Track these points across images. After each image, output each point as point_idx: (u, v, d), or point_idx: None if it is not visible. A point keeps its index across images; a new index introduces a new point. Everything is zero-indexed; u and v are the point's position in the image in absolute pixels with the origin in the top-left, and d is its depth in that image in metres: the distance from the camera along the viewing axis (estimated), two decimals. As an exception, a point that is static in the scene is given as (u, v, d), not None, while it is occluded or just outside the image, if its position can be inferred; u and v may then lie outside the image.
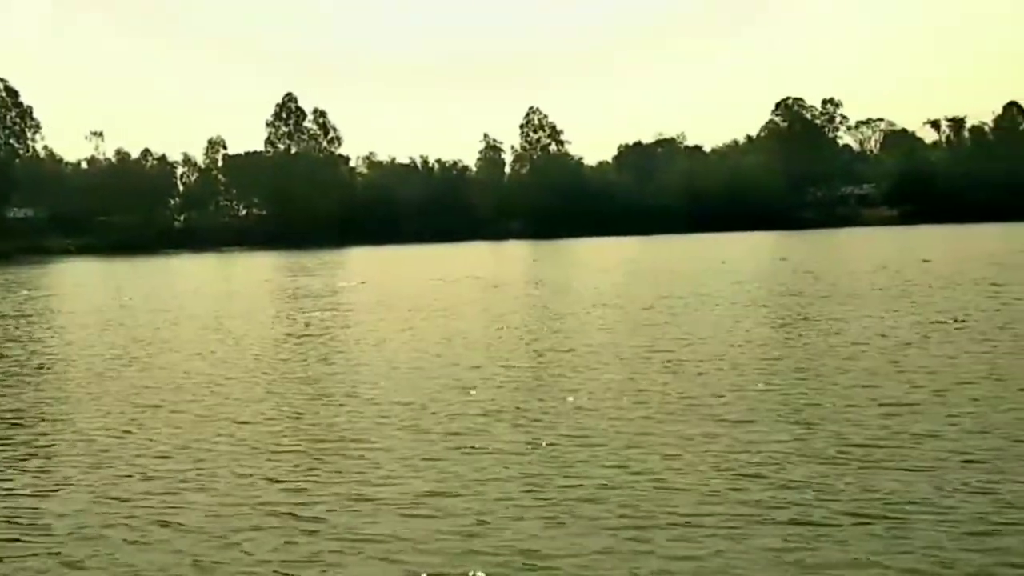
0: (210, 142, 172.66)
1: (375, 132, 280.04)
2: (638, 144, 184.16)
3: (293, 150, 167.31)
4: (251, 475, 12.31)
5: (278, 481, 12.02)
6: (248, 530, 10.19)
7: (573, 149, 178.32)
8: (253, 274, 74.04)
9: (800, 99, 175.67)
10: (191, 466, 12.83)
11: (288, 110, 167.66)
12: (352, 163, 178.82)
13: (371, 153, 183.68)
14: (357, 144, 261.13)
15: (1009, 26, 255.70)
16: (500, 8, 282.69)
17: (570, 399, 16.49)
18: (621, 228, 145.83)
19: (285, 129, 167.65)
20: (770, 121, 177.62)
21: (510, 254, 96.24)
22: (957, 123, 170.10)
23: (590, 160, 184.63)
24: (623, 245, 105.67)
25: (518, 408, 15.92)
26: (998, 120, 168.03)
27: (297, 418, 15.85)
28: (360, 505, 10.90)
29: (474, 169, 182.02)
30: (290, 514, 10.67)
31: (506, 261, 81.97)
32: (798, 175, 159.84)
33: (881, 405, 15.22)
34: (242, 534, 10.08)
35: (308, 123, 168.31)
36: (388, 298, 41.81)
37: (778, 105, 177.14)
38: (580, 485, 11.36)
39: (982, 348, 20.86)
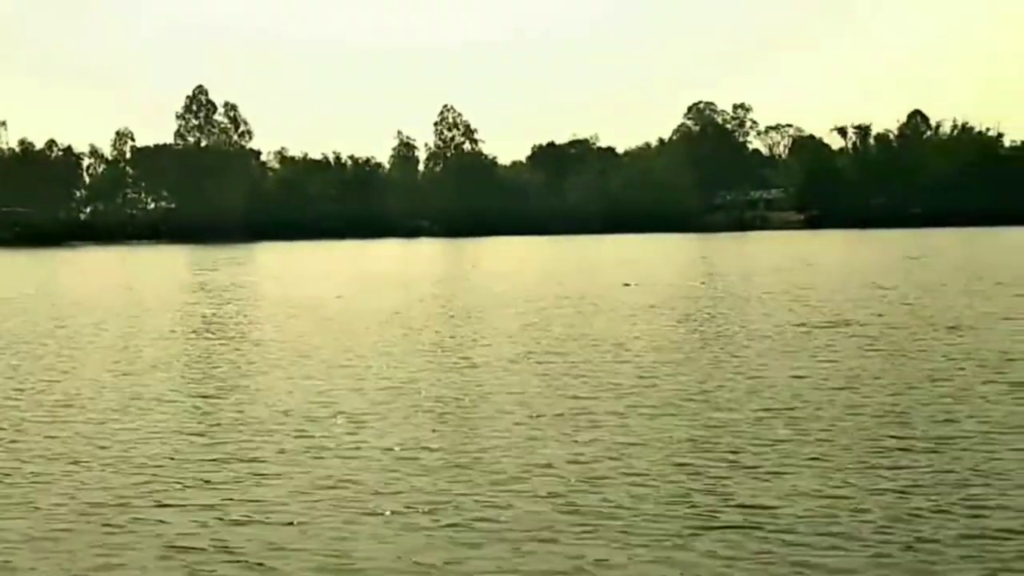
0: (118, 134, 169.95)
1: (287, 127, 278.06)
2: (552, 144, 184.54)
3: (203, 143, 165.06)
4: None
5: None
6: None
7: (487, 148, 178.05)
8: (156, 269, 73.06)
9: (711, 103, 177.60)
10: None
11: (198, 103, 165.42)
12: (263, 157, 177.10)
13: (283, 148, 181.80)
14: (269, 139, 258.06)
15: (914, 36, 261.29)
16: (413, 4, 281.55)
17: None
18: (534, 228, 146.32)
19: (195, 122, 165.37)
20: (682, 124, 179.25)
21: (418, 253, 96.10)
22: (863, 130, 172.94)
23: (504, 160, 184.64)
24: (533, 246, 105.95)
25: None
26: (902, 128, 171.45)
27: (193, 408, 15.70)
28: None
29: (387, 166, 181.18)
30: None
31: (417, 260, 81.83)
32: (709, 179, 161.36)
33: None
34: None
35: (219, 116, 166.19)
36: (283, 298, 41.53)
37: (690, 109, 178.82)
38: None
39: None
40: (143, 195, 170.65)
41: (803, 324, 27.03)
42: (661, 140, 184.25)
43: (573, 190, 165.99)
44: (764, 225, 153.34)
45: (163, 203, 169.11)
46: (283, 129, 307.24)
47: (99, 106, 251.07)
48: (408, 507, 10.62)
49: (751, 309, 32.39)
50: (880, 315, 29.05)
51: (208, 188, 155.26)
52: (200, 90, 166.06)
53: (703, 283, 45.43)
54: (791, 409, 15.31)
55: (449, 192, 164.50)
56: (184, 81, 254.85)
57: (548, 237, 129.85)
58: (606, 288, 42.05)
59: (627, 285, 43.07)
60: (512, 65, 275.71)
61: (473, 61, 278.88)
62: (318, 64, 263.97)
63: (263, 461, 12.77)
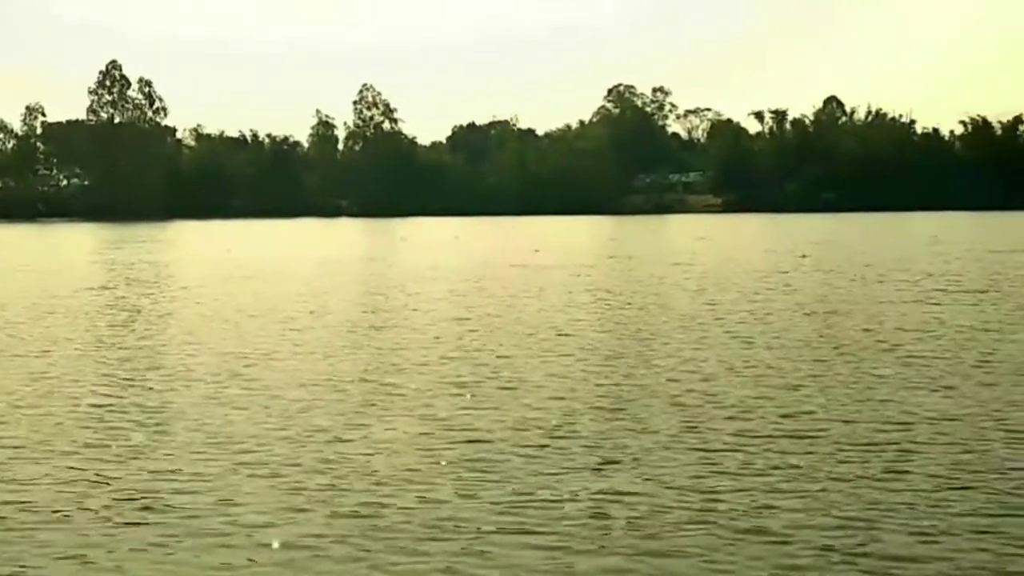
0: (28, 108, 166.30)
1: (205, 104, 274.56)
2: (472, 125, 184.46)
3: (117, 119, 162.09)
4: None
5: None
6: None
7: (407, 128, 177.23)
8: (69, 247, 71.79)
9: (631, 86, 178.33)
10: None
11: (112, 78, 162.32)
12: (179, 135, 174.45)
13: (199, 125, 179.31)
14: (185, 116, 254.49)
15: (833, 26, 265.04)
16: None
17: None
18: (453, 208, 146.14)
19: (108, 98, 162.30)
20: (601, 107, 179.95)
21: (335, 233, 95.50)
22: (780, 115, 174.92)
23: (424, 140, 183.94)
24: (449, 225, 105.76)
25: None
26: (818, 113, 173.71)
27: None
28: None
29: (306, 145, 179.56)
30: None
31: (336, 241, 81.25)
32: (628, 161, 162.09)
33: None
34: None
35: (132, 92, 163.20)
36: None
37: (610, 91, 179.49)
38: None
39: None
40: (54, 172, 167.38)
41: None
42: (581, 122, 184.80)
43: (492, 171, 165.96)
44: (683, 208, 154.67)
45: (75, 180, 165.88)
46: (200, 107, 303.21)
47: (8, 80, 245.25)
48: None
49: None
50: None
51: (122, 165, 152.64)
52: (114, 65, 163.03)
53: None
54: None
55: (368, 172, 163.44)
56: (97, 56, 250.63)
57: (467, 218, 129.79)
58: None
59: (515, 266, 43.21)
60: (433, 46, 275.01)
61: (394, 39, 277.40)
62: (236, 43, 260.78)
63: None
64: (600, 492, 10.24)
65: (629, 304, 28.51)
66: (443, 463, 11.36)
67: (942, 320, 23.64)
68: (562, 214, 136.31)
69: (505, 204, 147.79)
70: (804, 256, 47.60)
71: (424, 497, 10.11)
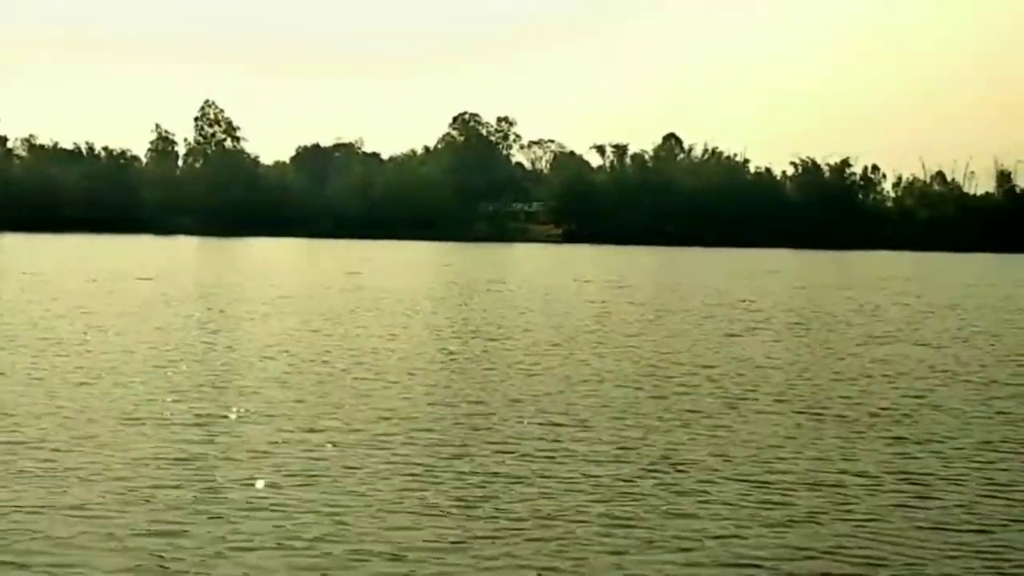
0: None
1: (37, 114, 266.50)
2: (316, 146, 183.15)
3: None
4: None
5: None
6: None
7: (250, 147, 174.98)
8: None
9: (476, 115, 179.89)
10: None
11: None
12: (10, 144, 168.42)
13: (31, 135, 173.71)
14: (16, 126, 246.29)
15: (673, 62, 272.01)
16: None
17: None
18: (295, 229, 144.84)
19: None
20: (447, 134, 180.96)
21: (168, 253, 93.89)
22: (620, 149, 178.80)
23: (267, 159, 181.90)
24: (284, 247, 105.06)
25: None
26: (657, 149, 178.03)
27: None
28: None
29: (144, 160, 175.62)
30: None
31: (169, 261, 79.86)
32: (472, 189, 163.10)
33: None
34: None
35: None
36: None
37: (455, 119, 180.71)
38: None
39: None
40: None
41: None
42: (427, 148, 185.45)
43: (336, 193, 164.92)
44: (525, 237, 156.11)
45: None
46: (32, 117, 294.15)
47: None
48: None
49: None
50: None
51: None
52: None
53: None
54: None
55: (209, 189, 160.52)
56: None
57: (308, 240, 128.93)
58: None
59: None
60: (280, 63, 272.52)
61: (238, 56, 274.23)
62: (72, 51, 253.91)
63: None
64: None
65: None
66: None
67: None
68: (406, 239, 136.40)
69: (349, 227, 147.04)
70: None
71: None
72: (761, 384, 20.06)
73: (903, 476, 13.19)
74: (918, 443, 15.15)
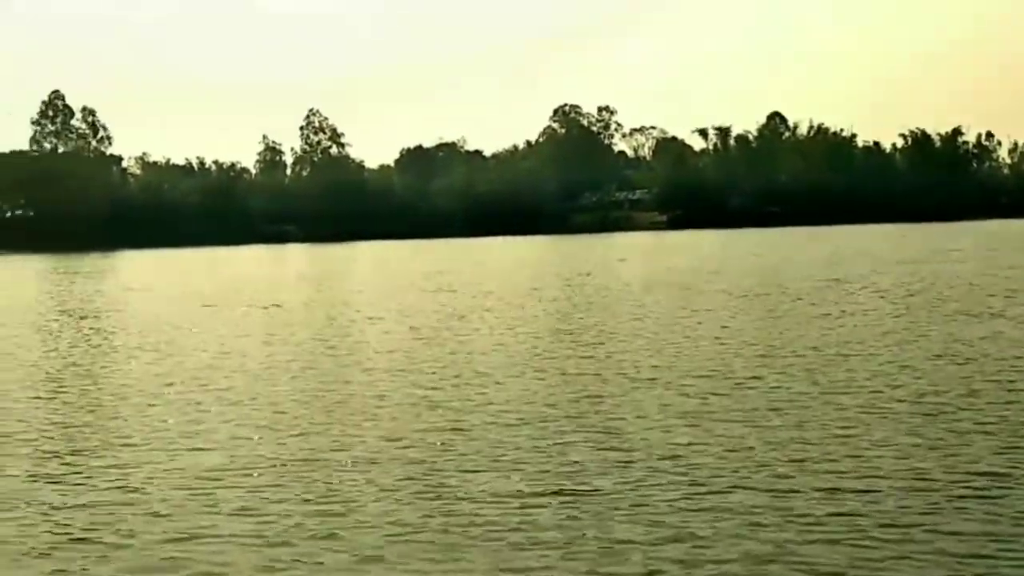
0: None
1: (150, 133, 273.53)
2: (419, 148, 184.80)
3: (60, 149, 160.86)
4: None
5: None
6: None
7: (354, 152, 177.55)
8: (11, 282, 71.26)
9: (577, 106, 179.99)
10: None
11: (55, 108, 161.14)
12: (124, 163, 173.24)
13: (144, 153, 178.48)
14: (130, 144, 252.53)
15: (776, 40, 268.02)
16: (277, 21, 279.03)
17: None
18: (401, 232, 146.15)
19: (52, 128, 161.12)
20: (548, 127, 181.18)
21: (282, 263, 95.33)
22: (724, 131, 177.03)
23: (371, 163, 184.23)
24: (392, 250, 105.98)
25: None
26: (761, 129, 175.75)
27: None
28: None
29: (253, 171, 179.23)
30: None
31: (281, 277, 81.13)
32: (574, 180, 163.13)
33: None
34: None
35: (76, 121, 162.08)
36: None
37: (556, 111, 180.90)
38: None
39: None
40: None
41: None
42: (528, 143, 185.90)
43: (440, 193, 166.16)
44: (629, 226, 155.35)
45: (19, 211, 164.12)
46: (145, 134, 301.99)
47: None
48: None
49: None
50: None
51: (67, 195, 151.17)
52: (56, 95, 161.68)
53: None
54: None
55: (316, 196, 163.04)
56: (39, 86, 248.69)
57: (413, 241, 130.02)
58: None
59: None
60: (380, 68, 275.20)
61: (340, 63, 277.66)
62: (181, 68, 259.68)
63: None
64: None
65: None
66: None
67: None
68: (510, 235, 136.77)
69: (454, 227, 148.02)
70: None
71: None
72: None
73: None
74: None
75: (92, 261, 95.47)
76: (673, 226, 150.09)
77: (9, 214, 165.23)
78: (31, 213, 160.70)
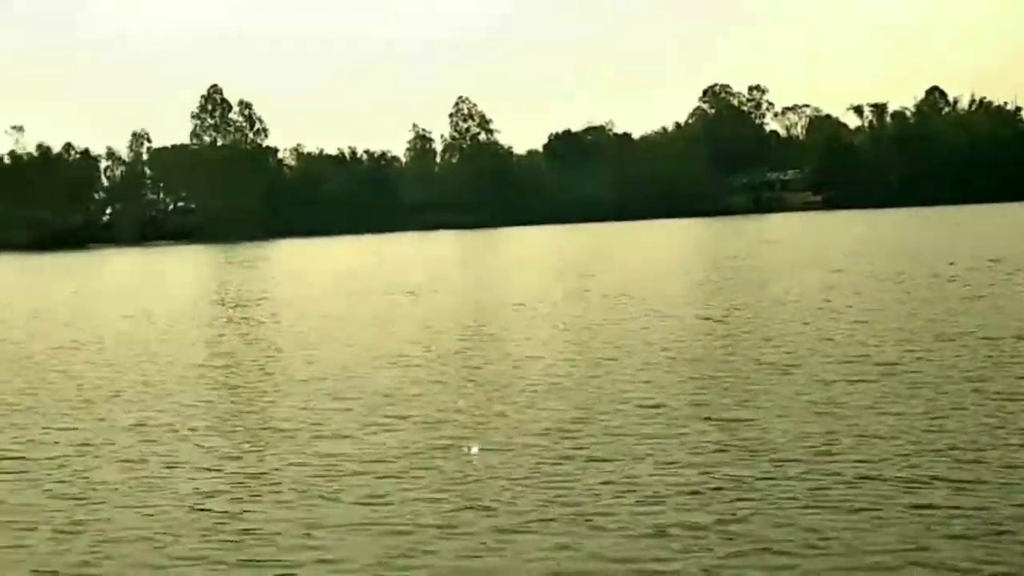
0: (134, 135, 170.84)
1: (303, 123, 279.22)
2: (567, 133, 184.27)
3: (219, 142, 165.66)
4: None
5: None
6: None
7: (503, 138, 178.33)
8: (184, 270, 73.60)
9: (727, 86, 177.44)
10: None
11: (213, 102, 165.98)
12: (280, 155, 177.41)
13: (298, 144, 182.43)
14: (284, 135, 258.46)
15: (933, 12, 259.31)
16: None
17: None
18: (551, 217, 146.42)
19: (211, 121, 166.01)
20: (697, 108, 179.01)
21: (437, 251, 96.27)
22: (880, 108, 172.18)
23: (520, 149, 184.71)
24: (547, 235, 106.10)
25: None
26: (919, 105, 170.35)
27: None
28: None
29: (403, 160, 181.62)
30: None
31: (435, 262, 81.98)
32: (725, 161, 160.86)
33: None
34: None
35: (234, 115, 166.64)
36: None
37: (705, 92, 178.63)
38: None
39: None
40: (161, 196, 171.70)
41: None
42: (677, 124, 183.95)
43: (589, 177, 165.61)
44: (781, 206, 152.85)
45: (181, 203, 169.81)
46: (298, 126, 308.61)
47: (115, 108, 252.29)
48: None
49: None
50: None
51: (225, 187, 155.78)
52: (215, 89, 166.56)
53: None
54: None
55: (465, 183, 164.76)
56: (197, 80, 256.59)
57: (563, 226, 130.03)
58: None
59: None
60: (526, 54, 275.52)
61: (486, 50, 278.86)
62: (331, 58, 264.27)
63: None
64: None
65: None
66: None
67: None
68: (660, 218, 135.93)
69: (604, 211, 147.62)
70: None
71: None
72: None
73: None
74: None
75: (250, 251, 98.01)
76: (827, 206, 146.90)
77: (172, 207, 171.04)
78: (192, 205, 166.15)
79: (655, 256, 58.67)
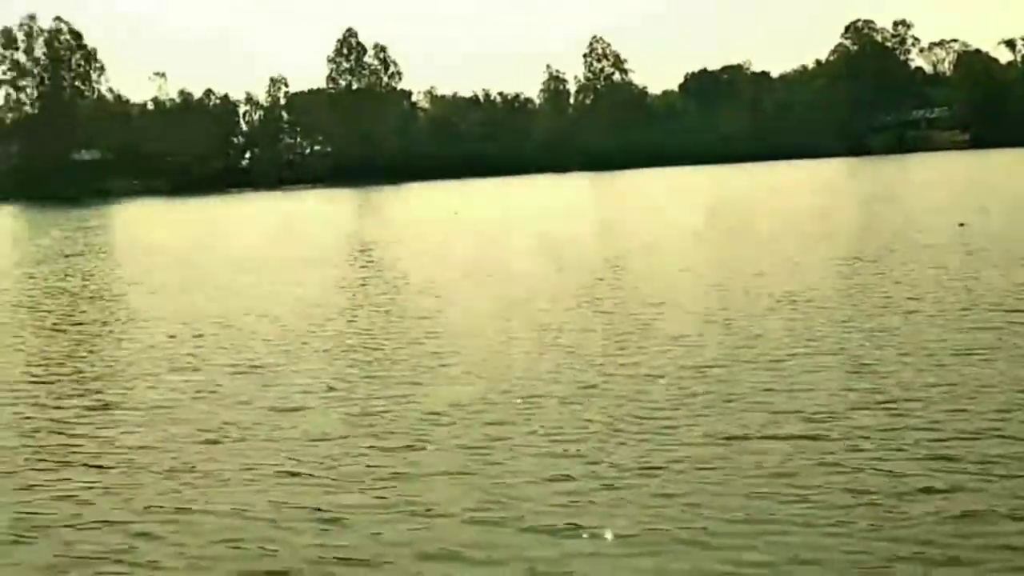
0: (272, 80, 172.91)
1: (437, 66, 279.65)
2: (704, 72, 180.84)
3: (355, 86, 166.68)
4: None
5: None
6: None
7: (638, 79, 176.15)
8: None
9: (871, 21, 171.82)
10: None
11: (349, 46, 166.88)
12: (414, 98, 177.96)
13: (432, 87, 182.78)
14: (419, 78, 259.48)
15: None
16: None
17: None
18: (686, 158, 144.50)
19: (346, 65, 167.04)
20: (839, 45, 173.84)
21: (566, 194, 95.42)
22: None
23: (655, 89, 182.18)
24: (686, 176, 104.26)
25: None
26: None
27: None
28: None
29: (537, 101, 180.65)
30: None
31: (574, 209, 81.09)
32: (868, 99, 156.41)
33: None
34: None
35: (369, 58, 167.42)
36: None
37: (848, 28, 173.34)
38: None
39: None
40: (298, 140, 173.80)
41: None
42: (818, 62, 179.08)
43: (726, 117, 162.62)
44: (927, 146, 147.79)
45: (318, 147, 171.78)
46: (432, 68, 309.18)
47: (252, 54, 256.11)
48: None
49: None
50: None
51: (361, 130, 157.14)
52: (350, 33, 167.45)
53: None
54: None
55: (600, 125, 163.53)
56: (332, 24, 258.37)
57: (700, 167, 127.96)
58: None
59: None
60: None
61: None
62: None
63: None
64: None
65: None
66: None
67: None
68: (798, 158, 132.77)
69: (740, 150, 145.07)
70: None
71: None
72: None
73: None
74: None
75: (385, 194, 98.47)
76: (976, 145, 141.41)
77: (308, 151, 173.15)
78: (328, 149, 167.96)
79: (795, 200, 56.66)
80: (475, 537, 8.12)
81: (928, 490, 8.62)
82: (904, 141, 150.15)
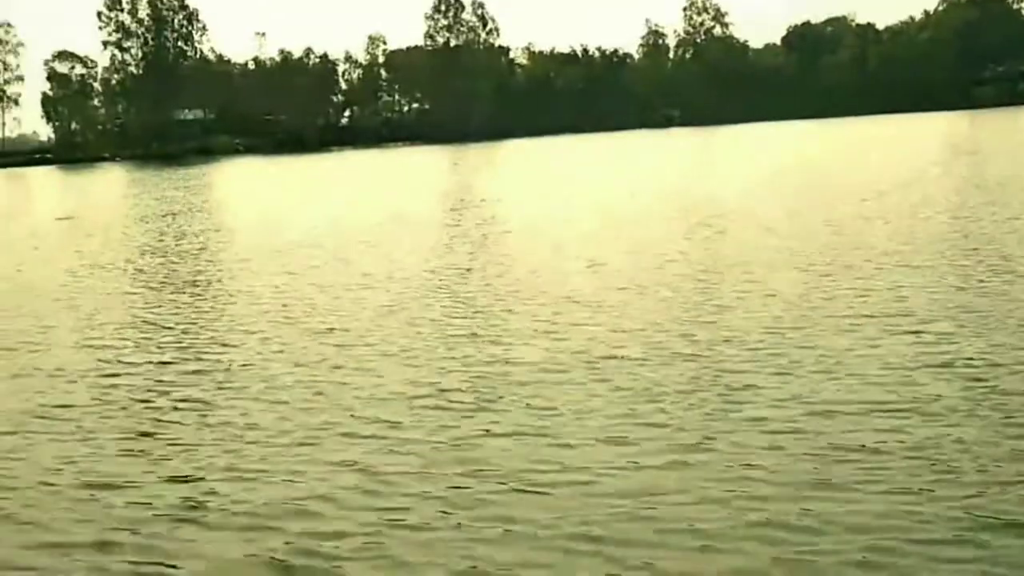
0: (370, 38, 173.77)
1: (535, 22, 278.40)
2: (806, 24, 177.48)
3: (452, 43, 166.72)
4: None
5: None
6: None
7: (739, 32, 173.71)
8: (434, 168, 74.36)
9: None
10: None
11: (447, 3, 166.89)
12: (511, 54, 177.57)
13: (530, 43, 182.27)
14: (516, 34, 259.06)
15: None
16: None
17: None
18: (787, 112, 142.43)
19: (444, 22, 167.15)
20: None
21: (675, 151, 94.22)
22: None
23: (756, 43, 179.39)
24: (785, 131, 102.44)
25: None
26: None
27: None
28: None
29: (636, 56, 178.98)
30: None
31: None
32: (976, 52, 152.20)
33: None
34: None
35: (467, 15, 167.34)
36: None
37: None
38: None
39: None
40: (397, 98, 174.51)
41: None
42: (926, 13, 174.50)
43: (829, 71, 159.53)
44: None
45: (416, 105, 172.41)
46: (530, 24, 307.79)
47: (352, 13, 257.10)
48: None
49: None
50: None
51: (459, 87, 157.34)
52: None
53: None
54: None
55: (700, 79, 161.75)
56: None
57: (801, 121, 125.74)
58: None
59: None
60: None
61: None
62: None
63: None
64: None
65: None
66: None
67: None
68: (903, 112, 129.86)
69: (843, 105, 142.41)
70: None
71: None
72: None
73: None
74: None
75: (482, 151, 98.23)
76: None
77: (407, 108, 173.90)
78: (427, 106, 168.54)
79: (896, 154, 55.12)
80: (527, 500, 7.92)
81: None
82: (1014, 94, 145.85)
